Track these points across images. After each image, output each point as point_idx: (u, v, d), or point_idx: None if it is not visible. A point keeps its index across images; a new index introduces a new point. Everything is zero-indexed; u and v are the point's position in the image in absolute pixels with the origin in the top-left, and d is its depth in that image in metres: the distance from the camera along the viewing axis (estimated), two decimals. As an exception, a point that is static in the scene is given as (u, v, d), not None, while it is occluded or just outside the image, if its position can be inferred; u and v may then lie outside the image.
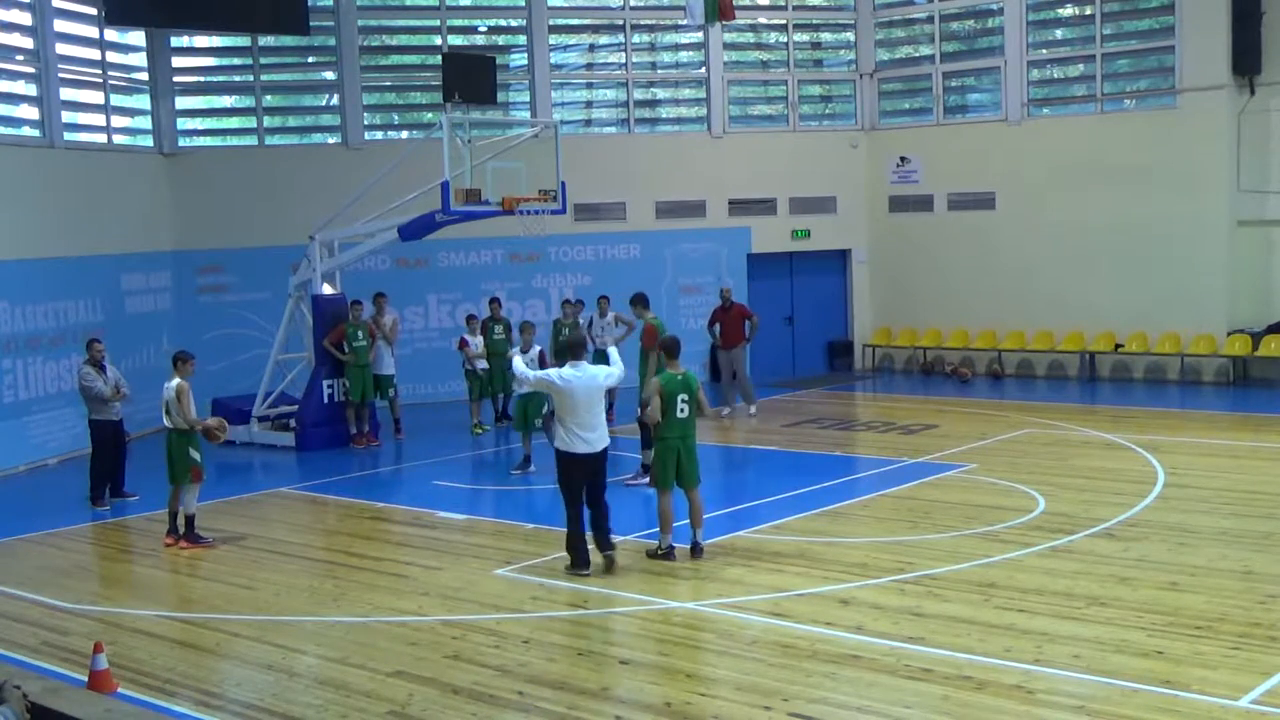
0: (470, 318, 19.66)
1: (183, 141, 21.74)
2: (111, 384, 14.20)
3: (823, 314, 24.75)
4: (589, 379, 10.77)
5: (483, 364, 19.01)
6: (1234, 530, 11.43)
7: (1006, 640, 8.60)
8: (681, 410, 11.06)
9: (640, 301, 15.87)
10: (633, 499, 13.78)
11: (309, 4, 21.01)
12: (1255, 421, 17.79)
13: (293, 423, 18.18)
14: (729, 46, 24.42)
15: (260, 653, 8.99)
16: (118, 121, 20.74)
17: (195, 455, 12.32)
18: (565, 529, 10.81)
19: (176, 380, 12.30)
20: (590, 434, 10.70)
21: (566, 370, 10.76)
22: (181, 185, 21.06)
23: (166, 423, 12.37)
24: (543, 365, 15.62)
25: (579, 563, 10.69)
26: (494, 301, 19.95)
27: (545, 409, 15.54)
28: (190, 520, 12.28)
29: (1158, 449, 15.35)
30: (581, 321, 19.40)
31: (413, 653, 8.82)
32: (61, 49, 18.55)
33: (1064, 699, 7.54)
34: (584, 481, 10.77)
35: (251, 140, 22.30)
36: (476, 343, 19.02)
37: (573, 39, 23.94)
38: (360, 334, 17.98)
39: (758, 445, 17.06)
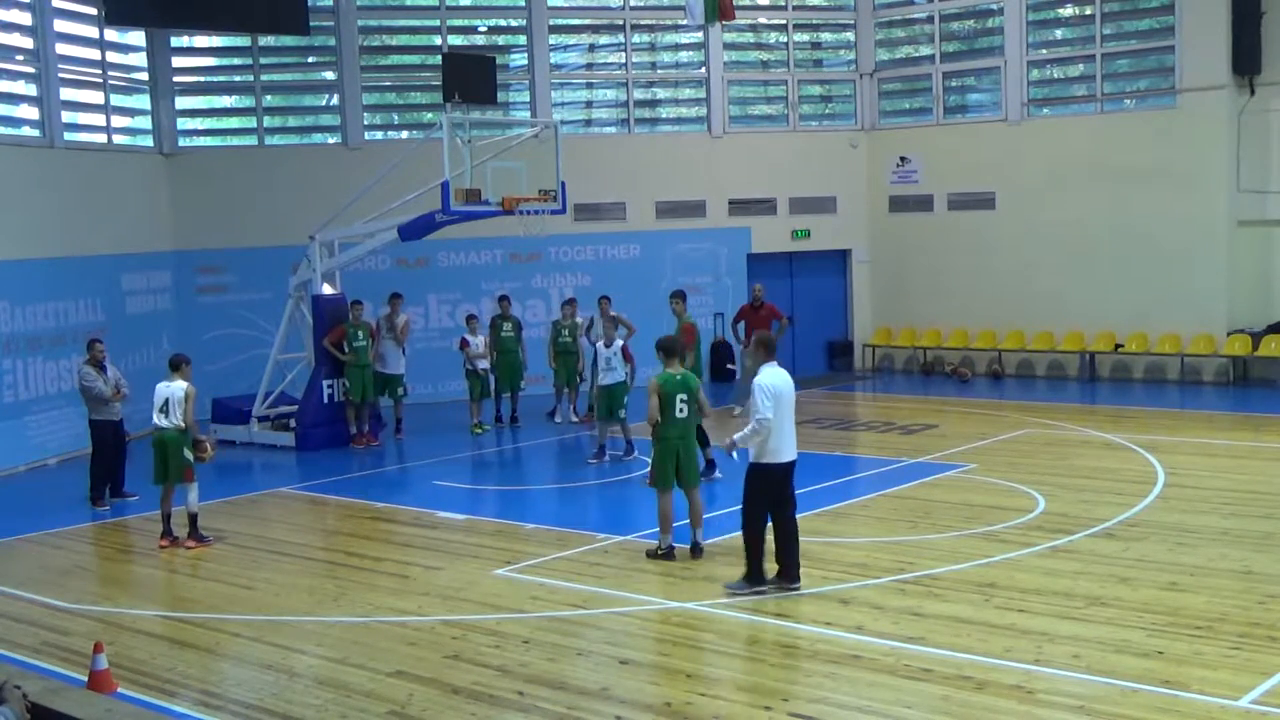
0: (470, 317, 19.63)
1: (183, 141, 21.75)
2: (112, 384, 14.20)
3: (823, 314, 24.74)
4: (786, 379, 10.22)
5: (483, 363, 19.00)
6: (1234, 530, 11.43)
7: (1006, 640, 8.60)
8: (680, 410, 11.06)
9: (680, 297, 15.84)
10: (634, 499, 13.79)
11: (309, 4, 21.01)
12: (1255, 421, 17.79)
13: (293, 423, 18.17)
14: (729, 46, 24.42)
15: (260, 653, 8.99)
16: (118, 121, 20.75)
17: (189, 456, 12.33)
18: (745, 541, 10.10)
19: (183, 383, 12.32)
20: (792, 439, 10.20)
21: (767, 378, 10.03)
22: (181, 185, 21.07)
23: (162, 422, 12.33)
24: (627, 359, 15.76)
25: (759, 576, 10.02)
26: (503, 299, 19.90)
27: (625, 403, 15.68)
28: (194, 518, 12.30)
29: (1158, 449, 15.35)
30: (581, 321, 19.42)
31: (413, 653, 8.82)
32: (61, 49, 18.56)
33: (1064, 699, 7.54)
34: (777, 492, 10.16)
35: (251, 140, 22.31)
36: (477, 342, 19.02)
37: (573, 39, 23.94)
38: (360, 334, 17.97)
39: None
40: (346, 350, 17.89)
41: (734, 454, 10.27)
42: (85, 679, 8.09)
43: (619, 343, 16.02)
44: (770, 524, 10.13)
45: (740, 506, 10.24)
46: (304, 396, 18.24)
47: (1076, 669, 8.00)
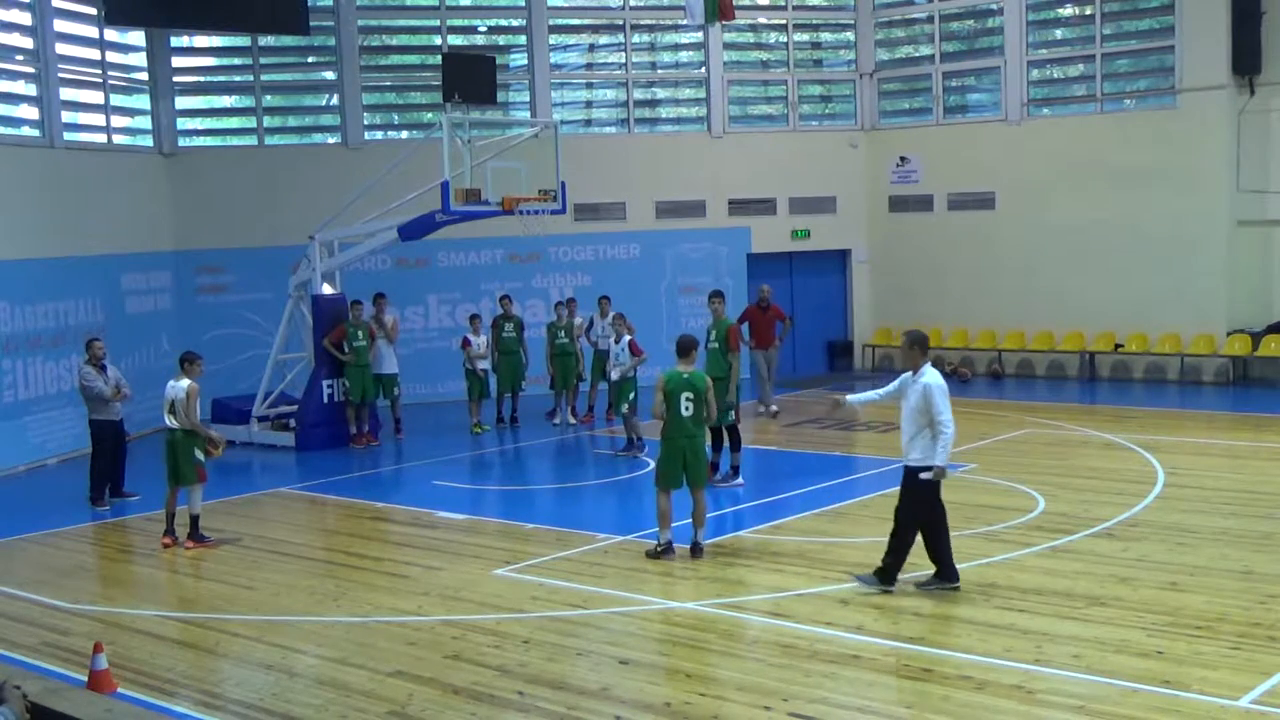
0: (474, 317, 19.58)
1: (183, 141, 21.75)
2: (112, 384, 14.19)
3: (823, 314, 24.74)
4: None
5: (484, 363, 19.00)
6: (1234, 530, 11.42)
7: (1006, 640, 8.60)
8: (685, 409, 11.02)
9: (720, 297, 15.83)
10: (635, 499, 13.79)
11: (309, 4, 20.99)
12: (1255, 421, 17.79)
13: (293, 423, 18.17)
14: (729, 46, 24.41)
15: (260, 653, 8.99)
16: (118, 121, 20.75)
17: (200, 456, 12.32)
18: (902, 543, 9.83)
19: (186, 381, 12.29)
20: None
21: (937, 378, 9.69)
22: (181, 185, 21.07)
23: (171, 422, 12.33)
24: (634, 353, 15.95)
25: (952, 576, 9.86)
26: (504, 299, 19.86)
27: (632, 397, 15.82)
28: (195, 520, 12.30)
29: (1158, 449, 15.34)
30: (580, 321, 19.41)
31: (413, 653, 8.82)
32: (61, 49, 18.55)
33: (1064, 699, 7.54)
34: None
35: (251, 140, 22.31)
36: (479, 342, 19.01)
37: (573, 39, 23.94)
38: (360, 334, 17.97)
39: (758, 445, 17.02)
40: (346, 350, 17.88)
41: (946, 475, 9.69)
42: (85, 679, 8.08)
43: (627, 338, 16.26)
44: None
45: (907, 510, 9.82)
46: (304, 396, 18.24)
47: (1076, 669, 8.00)
